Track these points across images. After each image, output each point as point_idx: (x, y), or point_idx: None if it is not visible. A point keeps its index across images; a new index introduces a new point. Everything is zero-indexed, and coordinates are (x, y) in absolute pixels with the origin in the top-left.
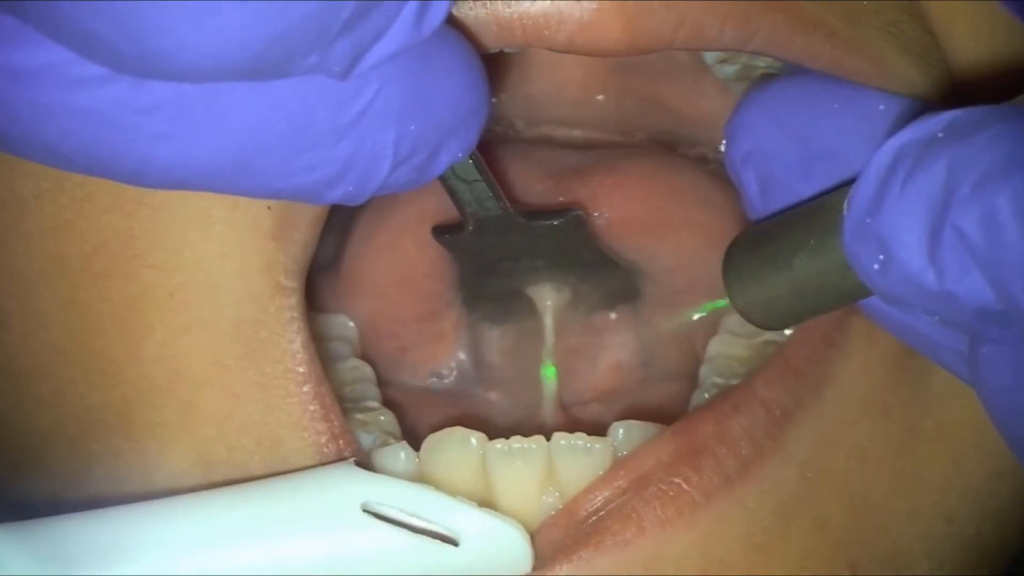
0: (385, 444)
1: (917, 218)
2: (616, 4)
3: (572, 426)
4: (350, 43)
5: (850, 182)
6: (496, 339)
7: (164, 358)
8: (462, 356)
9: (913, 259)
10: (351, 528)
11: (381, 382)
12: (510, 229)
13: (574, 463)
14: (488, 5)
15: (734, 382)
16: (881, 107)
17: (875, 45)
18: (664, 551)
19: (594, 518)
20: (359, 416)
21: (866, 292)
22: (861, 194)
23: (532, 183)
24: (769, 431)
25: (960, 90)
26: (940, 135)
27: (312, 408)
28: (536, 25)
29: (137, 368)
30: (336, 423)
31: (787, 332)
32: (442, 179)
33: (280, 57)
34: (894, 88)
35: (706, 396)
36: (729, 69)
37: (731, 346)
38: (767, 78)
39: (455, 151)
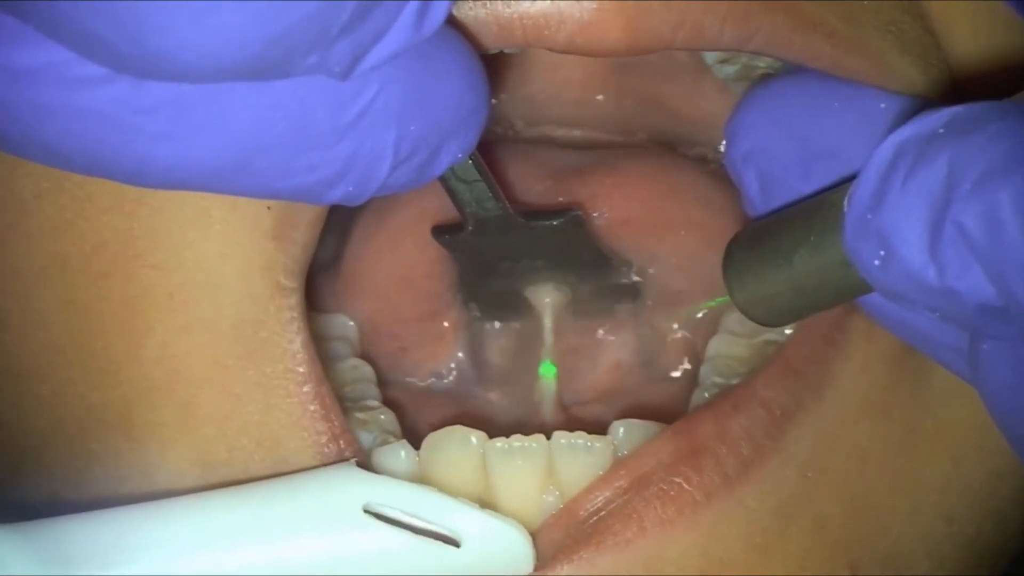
0: (385, 443)
1: (918, 214)
2: (616, 4)
3: (572, 426)
4: (350, 43)
5: (850, 179)
6: (496, 339)
7: (164, 358)
8: (462, 356)
9: (914, 255)
10: (352, 529)
11: (381, 382)
12: (510, 229)
13: (574, 462)
14: (488, 5)
15: (734, 382)
16: (881, 106)
17: (875, 45)
18: (665, 551)
19: (595, 518)
20: (359, 415)
21: (866, 288)
22: (862, 190)
23: (532, 183)
24: (769, 431)
25: (960, 88)
26: (941, 131)
27: (312, 408)
28: (536, 25)
29: (137, 368)
30: (336, 423)
31: (787, 332)
32: (442, 179)
33: (280, 57)
34: (894, 87)
35: (706, 396)
36: (729, 69)
37: (731, 346)
38: (767, 78)
39: (455, 151)
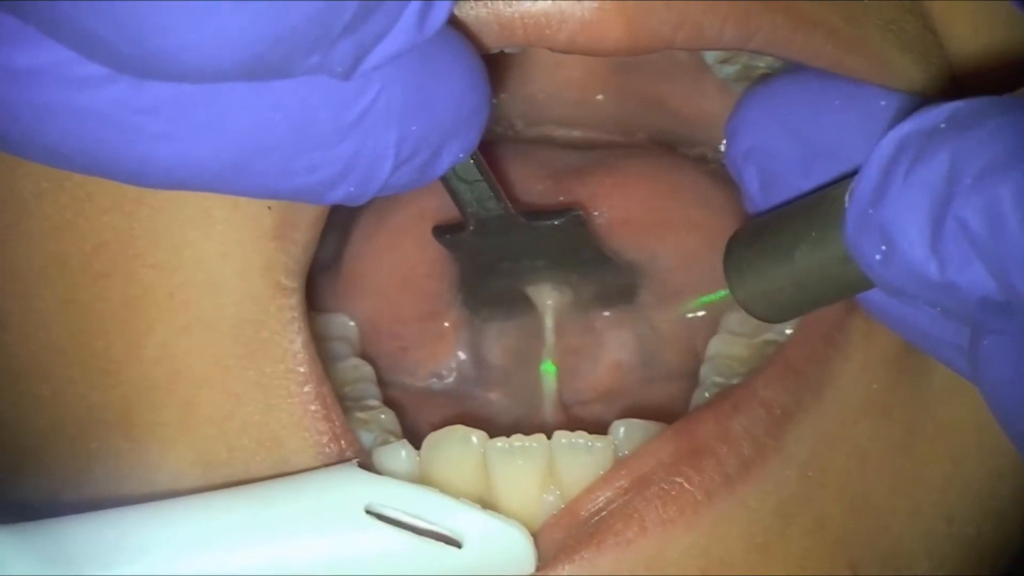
0: (386, 443)
1: (919, 209)
2: (617, 4)
3: (573, 425)
4: (352, 43)
5: (851, 175)
6: (496, 339)
7: (164, 358)
8: (462, 356)
9: (915, 250)
10: (354, 530)
11: (381, 382)
12: (511, 229)
13: (575, 462)
14: (489, 5)
15: (734, 382)
16: (882, 103)
17: (876, 44)
18: (666, 551)
19: (596, 518)
20: (360, 415)
21: (867, 284)
22: (864, 185)
23: (532, 183)
24: (770, 430)
25: (960, 84)
26: (942, 126)
27: (313, 408)
28: (537, 24)
29: (137, 368)
30: (337, 423)
31: (787, 332)
32: (443, 179)
33: (281, 58)
34: (895, 86)
35: (706, 396)
36: (729, 69)
37: (731, 346)
38: (768, 77)
39: (456, 151)
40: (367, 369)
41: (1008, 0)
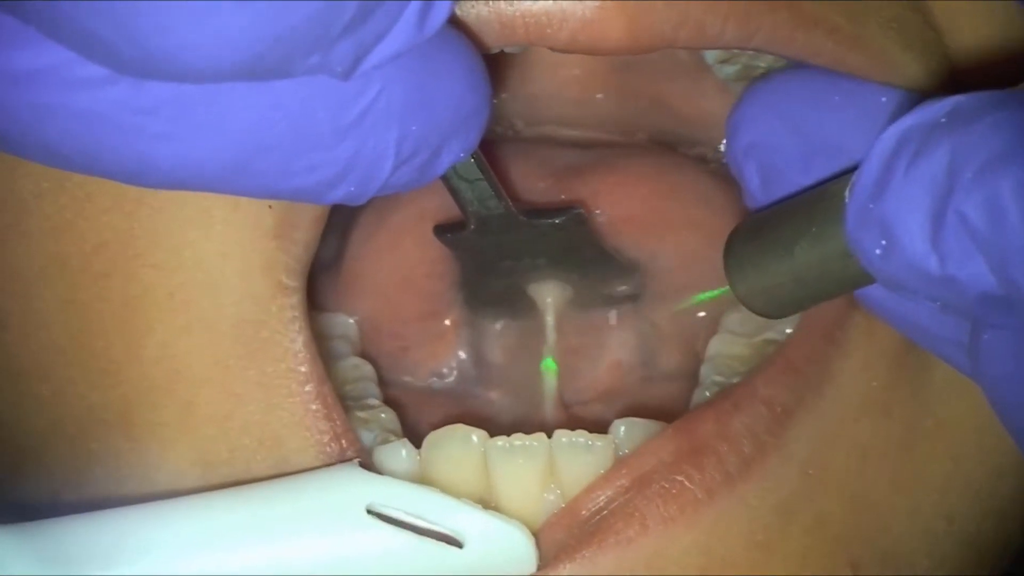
0: (386, 442)
1: (920, 203)
2: (618, 3)
3: (573, 425)
4: (352, 43)
5: (851, 170)
6: (497, 338)
7: (164, 358)
8: (463, 355)
9: (916, 244)
10: (355, 529)
11: (382, 381)
12: (512, 227)
13: (575, 461)
14: (491, 4)
15: (735, 381)
16: (883, 100)
17: (878, 42)
18: (666, 549)
19: (597, 517)
20: (360, 414)
21: (867, 279)
22: (864, 179)
23: (533, 181)
24: (770, 428)
25: (960, 80)
26: (943, 120)
27: (314, 407)
28: (538, 23)
29: (137, 368)
30: (338, 422)
31: (788, 331)
32: (444, 178)
33: (281, 58)
34: (897, 83)
35: (707, 395)
36: (729, 69)
37: (731, 345)
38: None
39: (457, 151)
40: (367, 368)
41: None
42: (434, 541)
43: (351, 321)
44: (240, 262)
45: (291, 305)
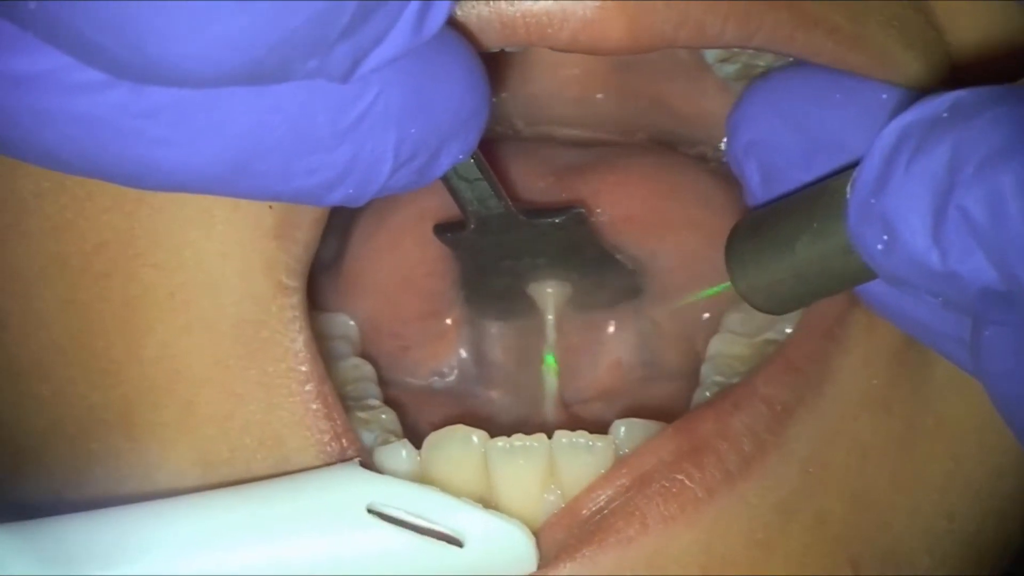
0: (386, 442)
1: (921, 198)
2: (618, 3)
3: (573, 424)
4: (350, 47)
5: (852, 166)
6: (497, 337)
7: (165, 358)
8: (463, 354)
9: (917, 239)
10: (355, 529)
11: (382, 381)
12: (512, 227)
13: (576, 461)
14: (491, 4)
15: (735, 380)
16: (883, 97)
17: (879, 40)
18: (667, 548)
19: (597, 517)
20: (360, 414)
21: (869, 275)
22: (866, 174)
23: (534, 180)
24: (770, 427)
25: (961, 79)
26: (944, 115)
27: (315, 407)
28: (539, 23)
29: (138, 368)
30: (339, 422)
31: (787, 330)
32: (443, 178)
33: (280, 62)
34: (897, 81)
35: (707, 395)
36: (730, 68)
37: (732, 345)
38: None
39: (456, 153)
40: (368, 368)
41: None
42: (435, 540)
43: (351, 321)
44: (240, 262)
45: (291, 305)
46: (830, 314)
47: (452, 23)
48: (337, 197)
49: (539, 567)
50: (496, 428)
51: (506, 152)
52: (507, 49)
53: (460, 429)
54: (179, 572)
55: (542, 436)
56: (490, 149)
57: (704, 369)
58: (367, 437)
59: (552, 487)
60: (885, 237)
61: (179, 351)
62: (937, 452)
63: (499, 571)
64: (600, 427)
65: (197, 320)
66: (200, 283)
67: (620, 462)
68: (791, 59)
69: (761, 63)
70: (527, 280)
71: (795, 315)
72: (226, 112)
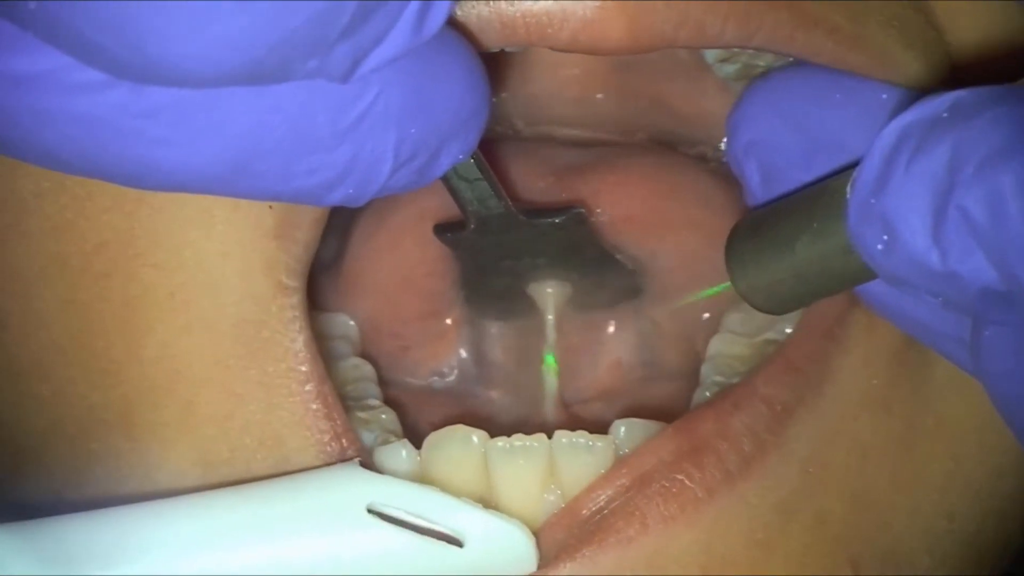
0: (386, 442)
1: (921, 198)
2: (619, 3)
3: (573, 424)
4: (350, 47)
5: (852, 166)
6: (497, 337)
7: (165, 358)
8: (463, 354)
9: (917, 239)
10: (355, 529)
11: (382, 381)
12: (512, 227)
13: (576, 461)
14: (491, 4)
15: (735, 381)
16: (883, 97)
17: (879, 40)
18: (667, 548)
19: (597, 516)
20: (360, 414)
21: (869, 275)
22: (866, 174)
23: (534, 180)
24: (770, 427)
25: (962, 79)
26: (944, 115)
27: (315, 407)
28: (539, 23)
29: (138, 368)
30: (339, 422)
31: (787, 330)
32: (443, 178)
33: (279, 63)
34: (897, 81)
35: (707, 395)
36: (730, 68)
37: (732, 345)
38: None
39: (456, 153)
40: (368, 368)
41: None
42: (434, 540)
43: (351, 321)
44: (241, 262)
45: (291, 305)
46: (830, 314)
47: (452, 23)
48: (337, 197)
49: (539, 567)
50: (496, 428)
51: (506, 152)
52: (507, 49)
53: (460, 429)
54: (179, 572)
55: (542, 436)
56: (490, 149)
57: (704, 369)
58: (367, 437)
59: (552, 487)
60: (885, 237)
61: (179, 351)
62: (937, 452)
63: (499, 571)
64: (600, 427)
65: (197, 320)
66: (200, 283)
67: (620, 462)
68: (791, 59)
69: (761, 63)
70: (527, 280)
71: (795, 315)
72: (226, 112)
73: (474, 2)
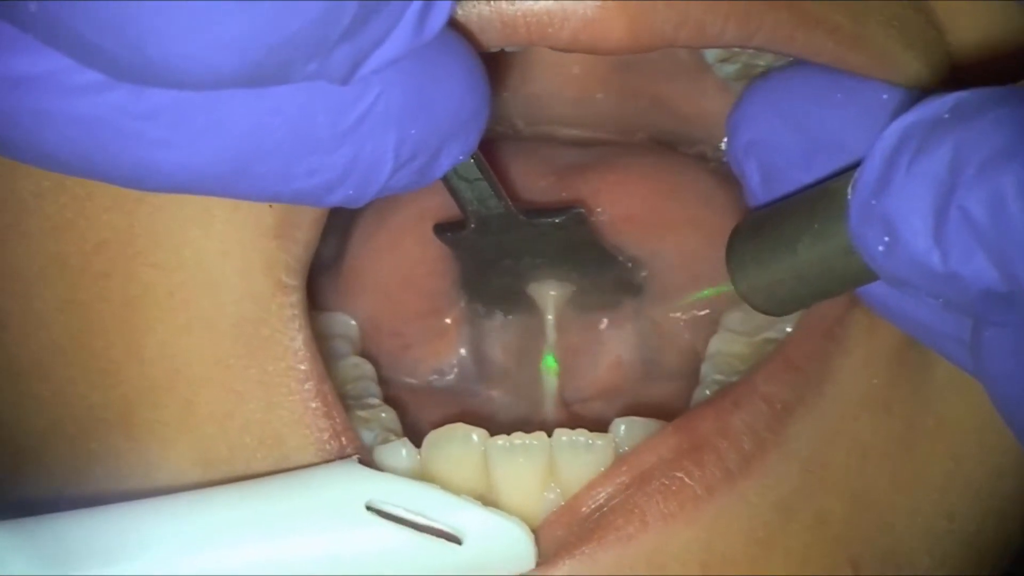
0: (386, 441)
1: (923, 199)
2: (619, 3)
3: (573, 423)
4: (350, 49)
5: (853, 167)
6: (498, 336)
7: (165, 357)
8: (464, 353)
9: (919, 240)
10: (355, 526)
11: (382, 380)
12: (512, 227)
13: (576, 460)
14: (492, 4)
15: (735, 379)
16: (884, 97)
17: (879, 40)
18: (667, 545)
19: (597, 514)
20: (360, 413)
21: (870, 276)
22: (867, 175)
23: (534, 180)
24: (770, 425)
25: (962, 79)
26: (946, 116)
27: (314, 405)
28: (540, 23)
29: (137, 367)
30: (338, 420)
31: (788, 329)
32: (443, 178)
33: (280, 65)
34: (898, 81)
35: (707, 393)
36: (730, 68)
37: (732, 344)
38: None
39: (456, 154)
40: (368, 367)
41: None
42: (433, 537)
43: (351, 321)
44: (240, 261)
45: (291, 304)
46: (830, 314)
47: (452, 23)
48: (337, 198)
49: (538, 564)
50: (496, 427)
51: (506, 152)
52: (507, 49)
53: (460, 428)
54: (178, 569)
55: (542, 434)
56: (490, 149)
57: (704, 368)
58: (367, 436)
59: (552, 485)
60: (886, 238)
61: (179, 350)
62: (937, 452)
63: (498, 568)
64: (600, 426)
65: (197, 319)
66: (200, 282)
67: (620, 460)
68: (791, 59)
69: (761, 63)
70: (527, 279)
71: (795, 314)
72: (226, 113)
73: (475, 2)
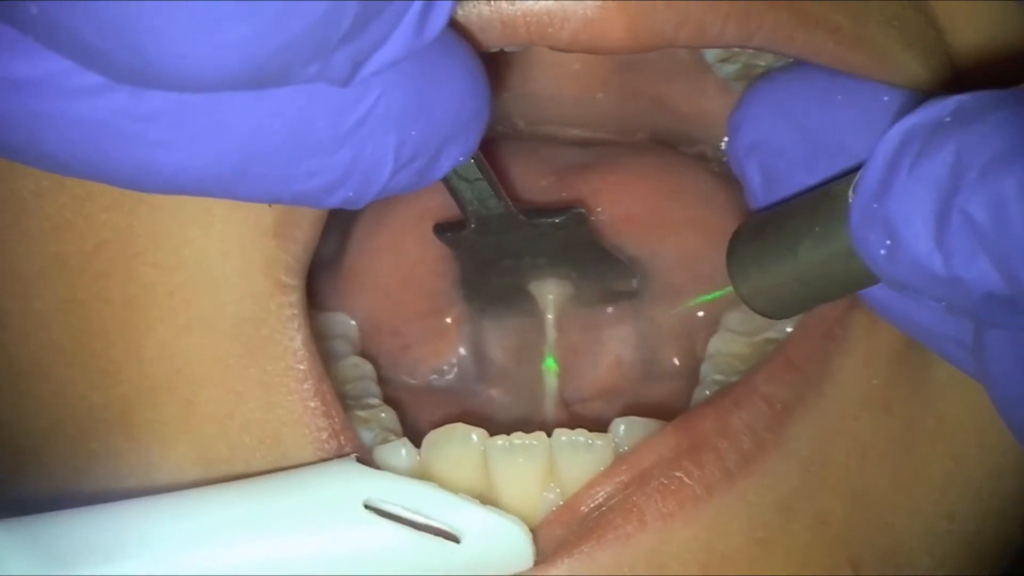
0: (386, 441)
1: (924, 202)
2: (619, 3)
3: (573, 423)
4: (351, 51)
5: (854, 170)
6: (498, 336)
7: (164, 357)
8: (463, 353)
9: (920, 243)
10: (353, 525)
11: (382, 380)
12: (512, 227)
13: (575, 459)
14: (492, 4)
15: (734, 379)
16: (885, 99)
17: (879, 41)
18: (666, 545)
19: (596, 513)
20: (360, 413)
21: (871, 280)
22: (869, 178)
23: (534, 180)
24: (770, 424)
25: (961, 80)
26: (947, 119)
27: (313, 405)
28: (540, 23)
29: (137, 367)
30: (337, 419)
31: (788, 329)
32: (443, 178)
33: (281, 67)
34: (898, 82)
35: (707, 393)
36: (730, 68)
37: (732, 344)
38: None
39: (456, 155)
40: (367, 367)
41: None
42: (432, 536)
43: (351, 320)
44: (240, 260)
45: (290, 303)
46: (830, 314)
47: (452, 23)
48: (337, 199)
49: (537, 563)
50: (496, 427)
51: (506, 152)
52: (507, 49)
53: (460, 427)
54: (178, 569)
55: (542, 434)
56: (490, 149)
57: (704, 368)
58: (367, 436)
59: (552, 485)
60: (888, 241)
61: (179, 350)
62: (937, 452)
63: (496, 567)
64: (600, 426)
65: (197, 319)
66: (200, 282)
67: (620, 459)
68: (791, 59)
69: (761, 63)
70: (527, 279)
71: None
72: (226, 116)
73: (475, 2)
